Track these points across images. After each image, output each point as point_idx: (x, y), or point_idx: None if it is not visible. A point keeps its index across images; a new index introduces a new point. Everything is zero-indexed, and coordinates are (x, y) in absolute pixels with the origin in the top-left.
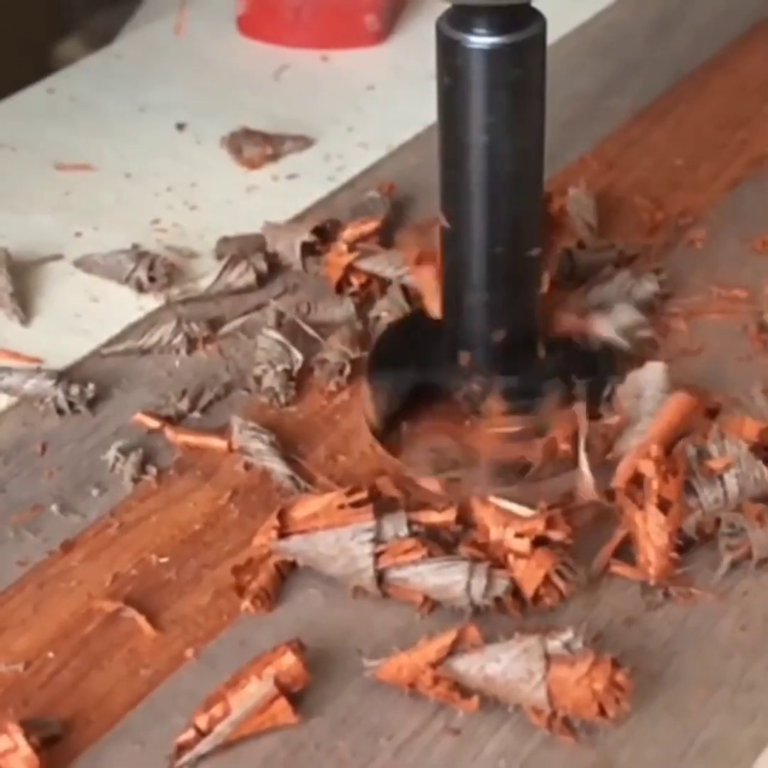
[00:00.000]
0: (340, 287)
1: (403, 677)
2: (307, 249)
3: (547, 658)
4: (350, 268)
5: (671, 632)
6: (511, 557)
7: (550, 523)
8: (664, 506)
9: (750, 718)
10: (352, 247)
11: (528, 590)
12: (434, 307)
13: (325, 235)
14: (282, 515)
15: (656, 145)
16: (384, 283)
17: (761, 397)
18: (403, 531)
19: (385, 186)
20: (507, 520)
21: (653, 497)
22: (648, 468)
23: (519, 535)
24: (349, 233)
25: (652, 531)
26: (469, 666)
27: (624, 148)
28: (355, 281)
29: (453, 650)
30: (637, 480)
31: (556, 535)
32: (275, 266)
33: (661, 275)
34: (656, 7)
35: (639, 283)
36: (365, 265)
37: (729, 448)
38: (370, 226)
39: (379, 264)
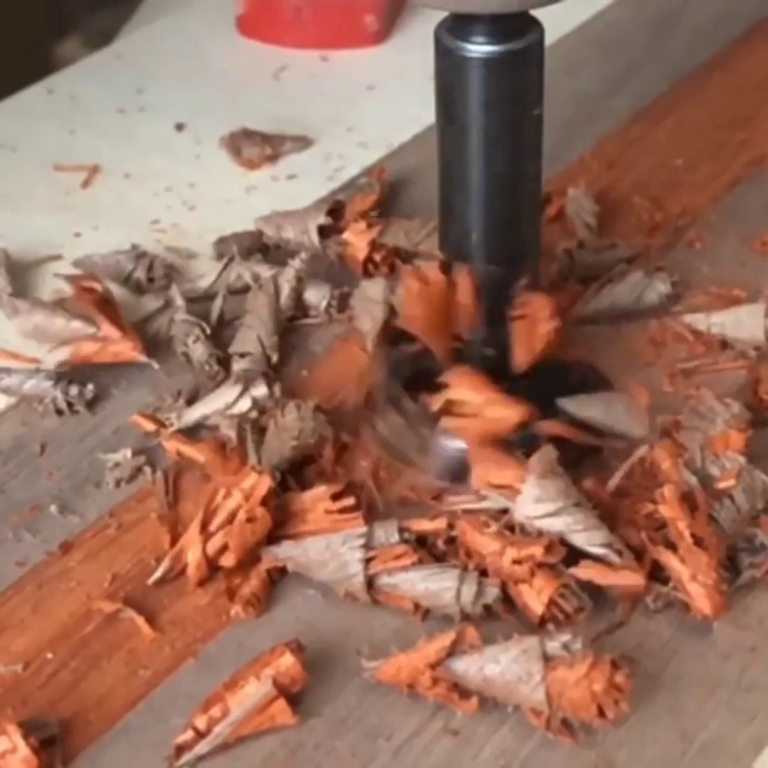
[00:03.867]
0: (366, 266)
1: (402, 678)
2: (319, 232)
3: (546, 659)
4: (373, 244)
5: (671, 632)
6: (511, 583)
7: (549, 549)
8: (701, 544)
9: (749, 718)
10: (370, 223)
11: (534, 615)
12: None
13: (333, 216)
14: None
15: (656, 145)
16: (402, 255)
17: (719, 405)
18: (394, 537)
19: (376, 171)
20: (502, 545)
21: (686, 538)
22: (669, 510)
23: (517, 562)
24: (353, 209)
25: (699, 572)
26: (468, 667)
27: (624, 148)
28: (377, 257)
29: (452, 651)
30: (653, 523)
31: (552, 560)
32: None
33: (673, 276)
34: (656, 7)
35: (651, 284)
36: (384, 238)
37: (728, 464)
38: (370, 198)
39: (396, 236)
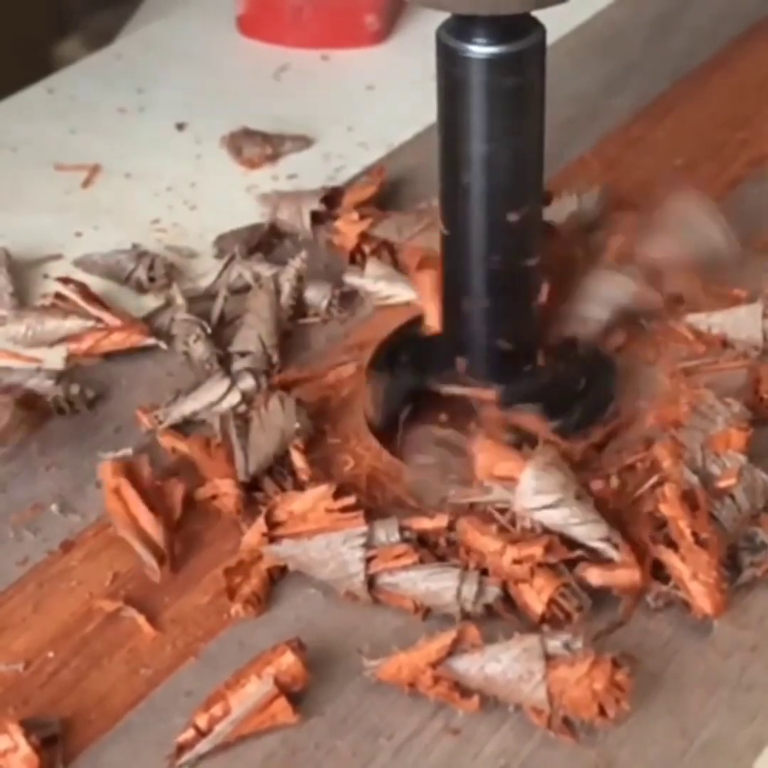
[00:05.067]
0: (354, 256)
1: (403, 677)
2: (313, 217)
3: (547, 657)
4: (363, 236)
5: (671, 631)
6: (511, 582)
7: (548, 549)
8: (702, 542)
9: (750, 717)
10: (363, 215)
11: (534, 615)
12: (431, 315)
13: (328, 203)
14: (269, 516)
15: (656, 145)
16: (392, 249)
17: (720, 404)
18: (395, 537)
19: (376, 171)
20: (503, 545)
21: (687, 537)
22: (670, 509)
23: (517, 562)
24: (350, 199)
25: (700, 570)
26: (469, 666)
27: (624, 148)
28: (367, 248)
29: (453, 650)
30: (654, 522)
31: (552, 560)
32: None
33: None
34: (656, 7)
35: None
36: (376, 231)
37: (729, 463)
38: (369, 190)
39: (388, 229)
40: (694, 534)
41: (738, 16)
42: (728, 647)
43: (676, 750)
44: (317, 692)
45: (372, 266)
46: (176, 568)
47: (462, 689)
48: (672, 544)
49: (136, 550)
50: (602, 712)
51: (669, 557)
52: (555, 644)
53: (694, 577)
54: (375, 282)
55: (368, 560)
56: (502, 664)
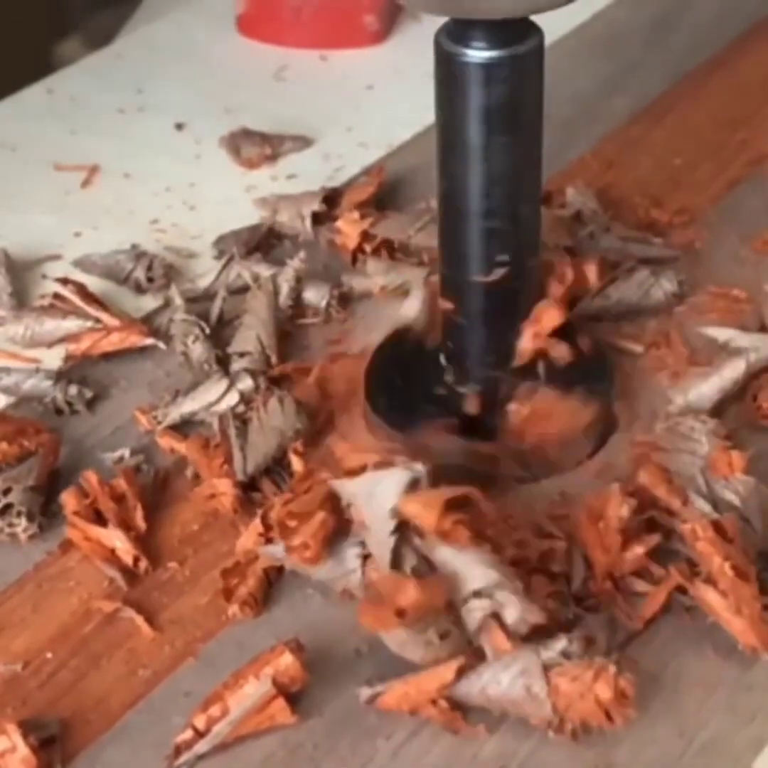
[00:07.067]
0: (356, 256)
1: (405, 709)
2: (314, 218)
3: (547, 672)
4: (365, 235)
5: (671, 632)
6: None
7: (545, 556)
8: (742, 576)
9: (749, 718)
10: (363, 214)
11: None
12: None
13: (326, 203)
14: (266, 516)
15: (656, 145)
16: (392, 247)
17: (698, 423)
18: None
19: (375, 171)
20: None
21: (727, 572)
22: (706, 546)
23: (513, 565)
24: (349, 199)
25: (744, 604)
26: (468, 690)
27: (623, 148)
28: (368, 248)
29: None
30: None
31: (553, 567)
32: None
33: (679, 275)
34: (656, 7)
35: (658, 282)
36: (378, 230)
37: (741, 488)
38: (368, 189)
39: (389, 228)
40: (734, 568)
41: (738, 16)
42: (727, 648)
43: (675, 750)
44: (316, 693)
45: (373, 264)
46: (154, 559)
47: (465, 710)
48: (696, 574)
49: (105, 571)
50: (609, 717)
51: (705, 593)
52: (550, 655)
53: (738, 612)
54: (385, 274)
55: (365, 558)
56: (503, 685)
